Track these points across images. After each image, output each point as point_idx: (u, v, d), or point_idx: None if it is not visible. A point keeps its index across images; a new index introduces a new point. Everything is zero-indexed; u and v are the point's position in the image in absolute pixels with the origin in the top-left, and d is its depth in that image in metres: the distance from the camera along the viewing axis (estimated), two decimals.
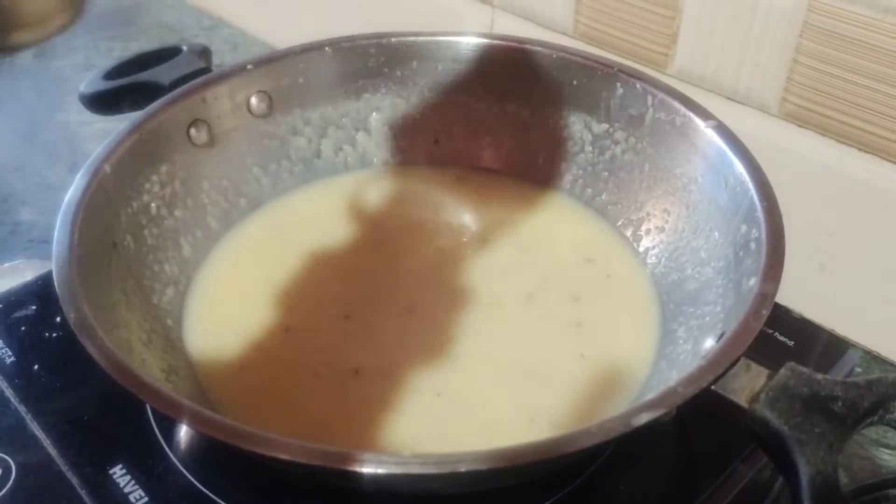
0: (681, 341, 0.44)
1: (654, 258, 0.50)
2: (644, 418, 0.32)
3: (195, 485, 0.40)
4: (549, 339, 0.46)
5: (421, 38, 0.55)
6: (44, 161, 0.77)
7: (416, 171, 0.56)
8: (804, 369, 0.36)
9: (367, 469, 0.30)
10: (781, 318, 0.52)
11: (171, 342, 0.43)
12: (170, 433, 0.43)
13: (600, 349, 0.45)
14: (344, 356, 0.44)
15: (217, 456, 0.41)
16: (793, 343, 0.50)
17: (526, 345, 0.45)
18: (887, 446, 0.53)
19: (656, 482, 0.44)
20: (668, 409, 0.33)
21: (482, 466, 0.31)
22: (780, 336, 0.50)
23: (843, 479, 0.50)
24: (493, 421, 0.42)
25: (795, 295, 0.56)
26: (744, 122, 0.55)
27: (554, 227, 0.53)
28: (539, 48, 0.54)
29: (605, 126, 0.52)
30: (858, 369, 0.56)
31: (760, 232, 0.41)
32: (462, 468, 0.31)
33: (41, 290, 0.50)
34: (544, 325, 0.47)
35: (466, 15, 0.70)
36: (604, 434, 0.32)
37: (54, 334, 0.48)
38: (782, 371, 0.35)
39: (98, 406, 0.44)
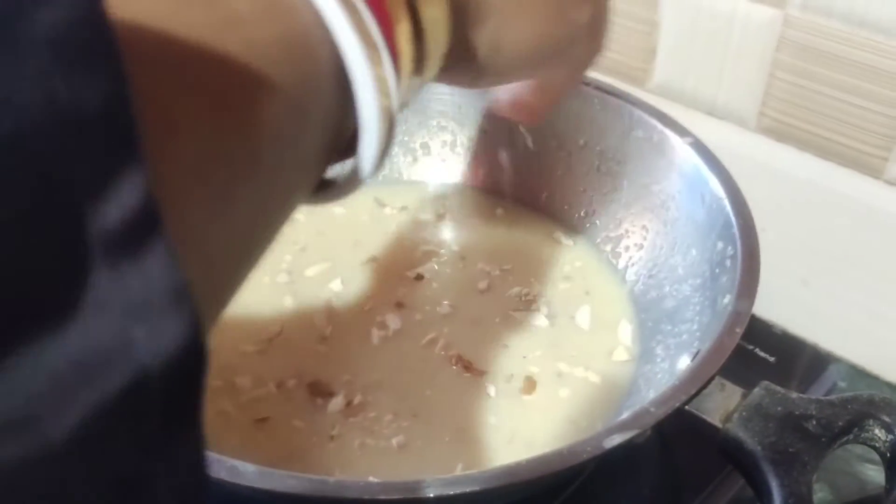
0: (658, 359, 0.43)
1: (632, 275, 0.49)
2: (616, 440, 0.32)
3: None
4: (526, 357, 0.45)
5: None
6: None
7: (395, 190, 0.56)
8: (779, 388, 0.35)
9: (332, 495, 0.30)
10: (763, 334, 0.52)
11: None
12: None
13: (578, 367, 0.45)
14: (319, 378, 0.44)
15: None
16: (774, 359, 0.50)
17: (504, 363, 0.45)
18: (872, 462, 0.52)
19: (638, 500, 0.44)
20: (640, 431, 0.33)
21: (451, 491, 0.30)
22: (761, 352, 0.50)
23: (828, 495, 0.49)
24: (471, 442, 0.41)
25: (778, 310, 0.56)
26: (723, 138, 0.55)
27: (532, 245, 0.53)
28: None
29: (582, 143, 0.52)
30: (842, 383, 0.55)
31: (736, 249, 0.41)
32: (431, 493, 0.30)
33: None
34: (522, 343, 0.46)
35: None
36: (575, 457, 0.32)
37: None
38: (756, 390, 0.35)
39: None
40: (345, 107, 0.21)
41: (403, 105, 0.24)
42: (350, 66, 0.21)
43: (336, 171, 0.24)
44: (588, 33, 0.33)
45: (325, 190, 0.24)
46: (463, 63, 0.29)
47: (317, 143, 0.21)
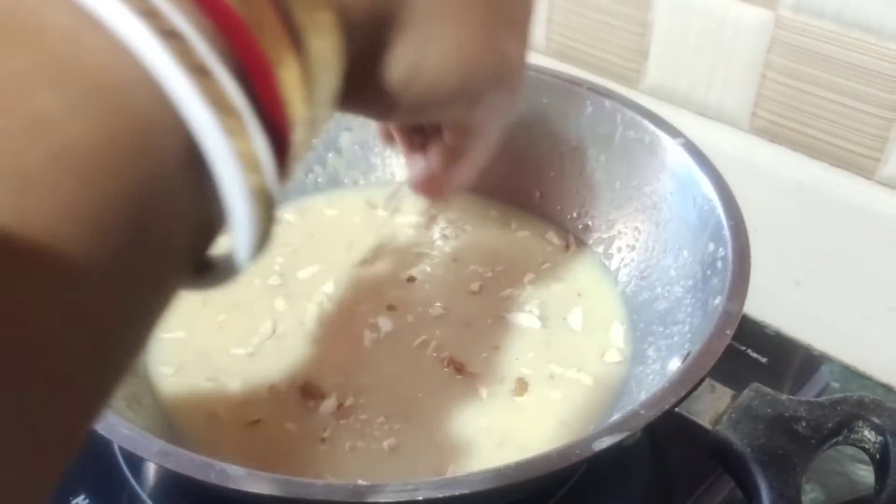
0: (650, 361, 0.43)
1: (625, 277, 0.49)
2: (605, 442, 0.32)
3: None
4: (519, 358, 0.45)
5: None
6: None
7: (387, 191, 0.56)
8: (768, 390, 0.35)
9: (320, 498, 0.30)
10: (755, 335, 0.52)
11: (135, 369, 0.43)
12: (134, 463, 0.42)
13: (570, 369, 0.45)
14: (311, 380, 0.44)
15: (183, 486, 0.41)
16: (766, 360, 0.50)
17: (496, 365, 0.45)
18: (863, 462, 0.52)
19: (630, 501, 0.44)
20: (629, 433, 0.32)
21: (440, 494, 0.30)
22: (753, 353, 0.50)
23: (820, 495, 0.49)
24: (462, 444, 0.41)
25: (771, 311, 0.56)
26: (715, 138, 0.55)
27: (524, 246, 0.53)
28: None
29: (574, 144, 0.52)
30: (835, 384, 0.55)
31: (727, 250, 0.41)
32: (420, 496, 0.30)
33: None
34: (514, 345, 0.46)
35: None
36: (564, 460, 0.32)
37: None
38: (746, 392, 0.35)
39: None
40: (211, 190, 0.17)
41: (296, 162, 0.20)
42: (203, 145, 0.17)
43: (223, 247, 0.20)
44: (513, 77, 0.29)
45: (207, 273, 0.20)
46: (372, 87, 0.24)
47: (172, 249, 0.18)
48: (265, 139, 0.17)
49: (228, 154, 0.17)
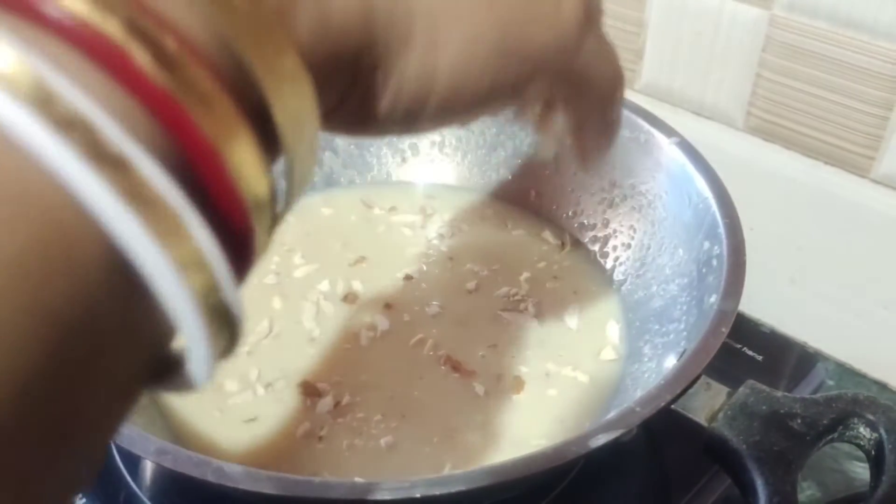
0: (646, 359, 0.44)
1: (620, 275, 0.50)
2: (601, 440, 0.32)
3: None
4: (515, 356, 0.45)
5: None
6: None
7: (383, 191, 0.56)
8: (764, 387, 0.36)
9: (317, 496, 0.30)
10: (751, 332, 0.52)
11: None
12: (132, 461, 0.42)
13: (566, 367, 0.45)
14: (308, 379, 0.44)
15: (180, 484, 0.41)
16: (762, 358, 0.50)
17: (492, 363, 0.45)
18: (861, 459, 0.52)
19: (627, 497, 0.44)
20: (625, 430, 0.33)
21: (436, 491, 0.30)
22: (748, 351, 0.50)
23: (816, 492, 0.50)
24: (459, 442, 0.41)
25: (766, 309, 0.56)
26: (710, 137, 0.55)
27: (520, 245, 0.53)
28: None
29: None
30: (830, 382, 0.56)
31: (722, 249, 0.41)
32: (416, 493, 0.30)
33: None
34: (510, 343, 0.46)
35: None
36: (560, 457, 0.32)
37: None
38: (741, 389, 0.35)
39: None
40: (148, 298, 0.14)
41: (263, 250, 0.17)
42: (127, 250, 0.13)
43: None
44: (584, 38, 0.24)
45: (167, 378, 0.17)
46: (387, 108, 0.20)
47: (108, 370, 0.15)
48: (213, 235, 0.14)
49: (160, 260, 0.14)
